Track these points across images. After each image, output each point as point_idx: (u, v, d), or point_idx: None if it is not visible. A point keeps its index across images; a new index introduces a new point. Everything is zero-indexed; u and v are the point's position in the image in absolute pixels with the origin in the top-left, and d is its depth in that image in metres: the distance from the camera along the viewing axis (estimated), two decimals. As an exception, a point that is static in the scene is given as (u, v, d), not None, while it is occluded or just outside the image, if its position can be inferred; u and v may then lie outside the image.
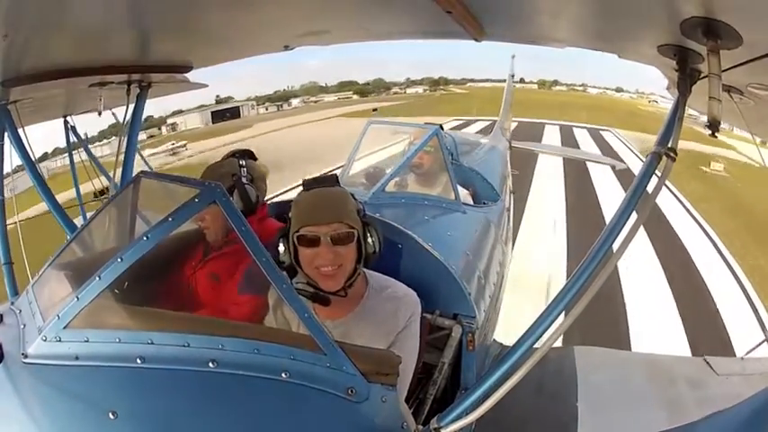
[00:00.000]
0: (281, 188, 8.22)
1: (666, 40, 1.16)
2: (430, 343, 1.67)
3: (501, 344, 2.27)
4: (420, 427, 1.14)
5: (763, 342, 2.36)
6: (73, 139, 3.00)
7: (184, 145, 27.35)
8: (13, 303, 1.23)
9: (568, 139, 23.93)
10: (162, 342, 1.00)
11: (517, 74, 7.78)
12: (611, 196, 10.39)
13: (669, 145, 1.21)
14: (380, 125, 2.96)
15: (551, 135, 24.31)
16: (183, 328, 1.04)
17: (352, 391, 1.03)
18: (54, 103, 2.59)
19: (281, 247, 1.32)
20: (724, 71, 1.00)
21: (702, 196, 12.45)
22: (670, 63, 1.25)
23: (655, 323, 6.18)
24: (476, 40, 1.79)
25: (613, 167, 6.87)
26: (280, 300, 1.21)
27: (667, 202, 11.13)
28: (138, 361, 0.98)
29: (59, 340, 1.01)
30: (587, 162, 12.67)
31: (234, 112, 40.07)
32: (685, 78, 1.24)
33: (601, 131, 27.51)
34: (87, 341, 1.00)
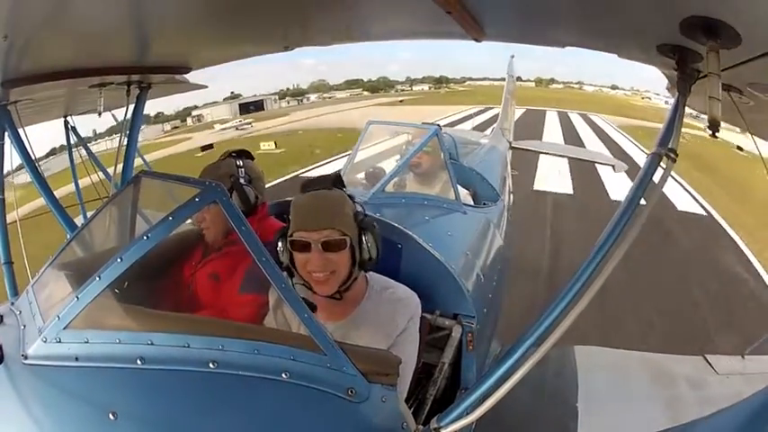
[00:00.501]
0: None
1: (666, 39, 1.16)
2: (430, 343, 1.67)
3: (501, 344, 2.27)
4: (420, 427, 1.14)
5: (763, 341, 2.36)
6: (73, 139, 3.00)
7: (250, 122, 35.08)
8: (13, 303, 1.23)
9: (565, 121, 31.49)
10: (162, 343, 1.00)
11: (515, 72, 7.84)
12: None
13: (670, 145, 1.21)
14: (380, 125, 2.95)
15: (551, 118, 32.42)
16: (183, 329, 1.04)
17: (352, 392, 1.03)
18: (54, 103, 2.60)
19: (280, 248, 1.32)
20: (723, 71, 1.00)
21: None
22: (669, 63, 1.25)
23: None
24: (476, 40, 1.79)
25: (613, 167, 6.89)
26: (280, 300, 1.22)
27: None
28: (139, 362, 0.98)
29: (59, 341, 1.01)
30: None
31: (258, 105, 45.48)
32: (685, 78, 1.23)
33: (590, 116, 36.53)
34: (87, 342, 1.00)
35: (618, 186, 11.04)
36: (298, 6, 1.60)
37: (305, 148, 19.03)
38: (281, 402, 1.02)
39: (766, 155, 1.52)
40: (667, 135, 1.25)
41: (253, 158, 1.87)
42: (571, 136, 23.04)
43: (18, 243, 2.40)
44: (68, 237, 1.93)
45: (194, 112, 43.61)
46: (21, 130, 2.27)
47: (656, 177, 1.22)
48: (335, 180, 1.36)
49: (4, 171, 2.37)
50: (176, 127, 39.22)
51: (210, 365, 0.99)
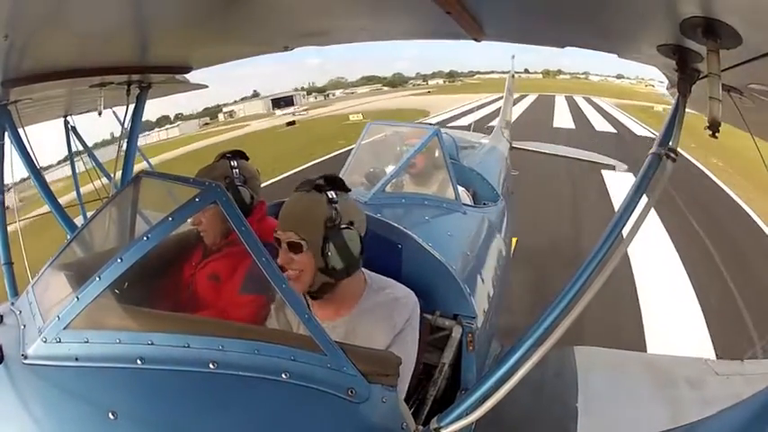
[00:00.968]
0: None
1: (666, 39, 1.16)
2: (430, 343, 1.67)
3: (501, 344, 2.27)
4: (420, 427, 1.14)
5: (762, 345, 2.36)
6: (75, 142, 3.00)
7: (306, 110, 42.08)
8: (13, 304, 1.22)
9: (571, 102, 38.13)
10: (162, 343, 1.00)
11: (522, 65, 8.12)
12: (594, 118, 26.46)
13: (670, 146, 1.21)
14: (380, 125, 2.95)
15: (560, 101, 38.76)
16: (183, 329, 1.04)
17: (352, 392, 1.03)
18: (54, 103, 2.59)
19: None
20: (724, 71, 1.00)
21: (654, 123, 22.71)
22: (670, 63, 1.25)
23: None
24: (475, 40, 1.79)
25: (614, 168, 6.90)
26: (281, 300, 1.22)
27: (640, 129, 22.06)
28: (139, 362, 0.98)
29: (59, 341, 1.01)
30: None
31: (288, 101, 50.25)
32: (685, 78, 1.23)
33: (593, 99, 42.20)
34: (87, 342, 1.00)
35: (599, 123, 24.27)
36: (298, 6, 1.60)
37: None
38: (281, 403, 1.02)
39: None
40: (667, 135, 1.25)
41: (247, 159, 1.86)
42: (576, 112, 30.44)
43: (18, 244, 2.40)
44: (68, 237, 1.92)
45: (225, 109, 50.15)
46: (21, 130, 2.27)
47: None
48: (329, 180, 1.34)
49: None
50: (207, 123, 43.57)
51: (210, 365, 0.99)
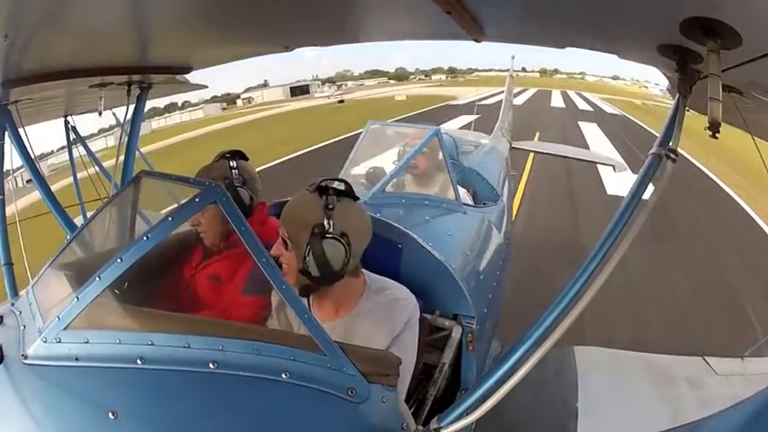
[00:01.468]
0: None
1: (666, 40, 1.16)
2: (430, 343, 1.67)
3: (501, 344, 2.27)
4: (420, 427, 1.14)
5: (762, 342, 2.36)
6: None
7: (341, 93, 45.62)
8: (13, 304, 1.22)
9: (566, 96, 44.40)
10: (162, 343, 1.00)
11: (520, 63, 8.06)
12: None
13: (670, 146, 1.21)
14: (380, 125, 2.95)
15: (556, 94, 45.03)
16: (183, 329, 1.04)
17: (352, 392, 1.03)
18: (54, 103, 2.59)
19: None
20: (724, 71, 1.00)
21: (643, 116, 27.46)
22: (670, 64, 1.25)
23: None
24: (475, 40, 1.79)
25: (614, 167, 6.92)
26: (282, 301, 1.21)
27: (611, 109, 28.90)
28: (139, 362, 0.98)
29: (59, 341, 1.01)
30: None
31: (304, 89, 54.58)
32: (685, 79, 1.23)
33: (585, 95, 47.92)
34: (87, 342, 1.00)
35: (582, 106, 34.62)
36: (298, 7, 1.60)
37: (421, 101, 30.70)
38: (281, 403, 1.02)
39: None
40: (667, 135, 1.25)
41: (246, 159, 1.84)
42: (568, 102, 37.71)
43: (18, 244, 2.40)
44: (68, 237, 1.92)
45: (243, 95, 54.85)
46: (21, 130, 2.27)
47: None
48: (323, 183, 1.31)
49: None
50: (225, 108, 46.84)
51: (210, 366, 0.99)
